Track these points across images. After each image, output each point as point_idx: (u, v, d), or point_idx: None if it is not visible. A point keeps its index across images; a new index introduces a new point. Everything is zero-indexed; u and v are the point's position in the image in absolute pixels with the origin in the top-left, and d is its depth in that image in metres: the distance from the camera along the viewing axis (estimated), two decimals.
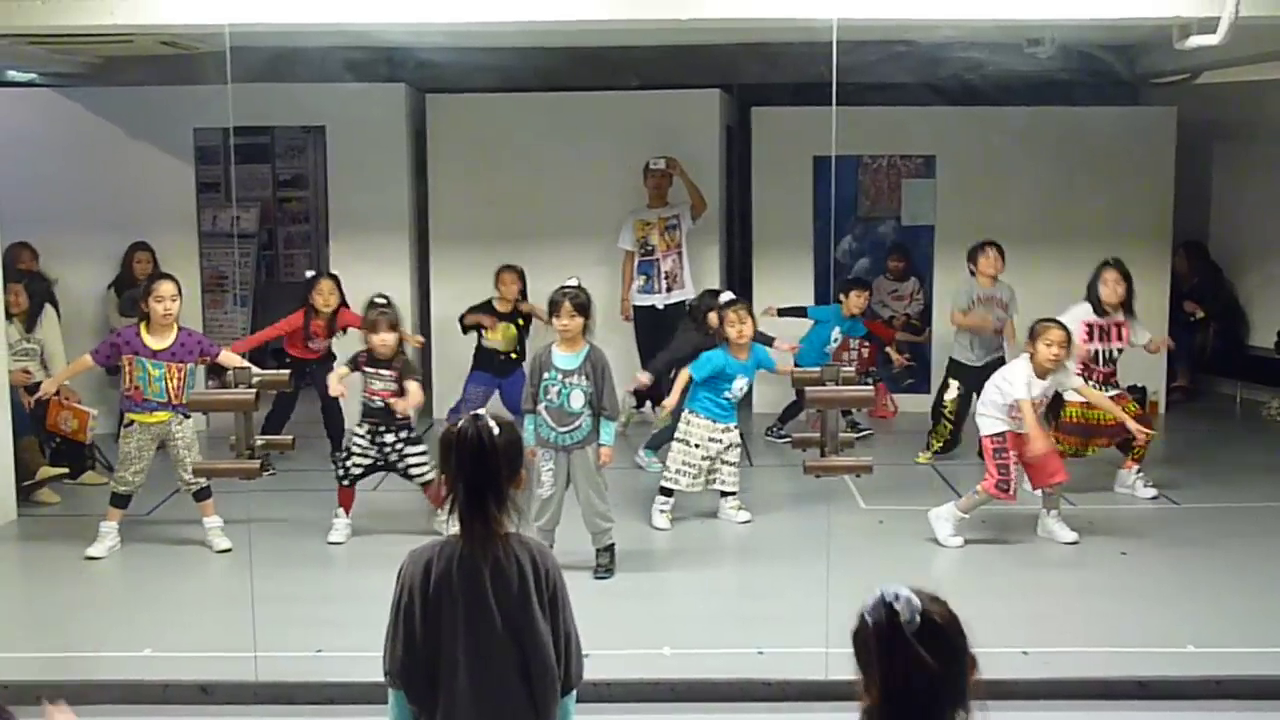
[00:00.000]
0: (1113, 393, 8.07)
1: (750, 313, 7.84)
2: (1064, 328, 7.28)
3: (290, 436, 6.92)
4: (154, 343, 7.20)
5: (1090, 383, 7.94)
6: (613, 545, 6.96)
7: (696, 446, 7.71)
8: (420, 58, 9.68)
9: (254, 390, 5.15)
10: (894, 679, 2.43)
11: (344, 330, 9.01)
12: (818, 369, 5.26)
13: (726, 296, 8.16)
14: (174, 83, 9.84)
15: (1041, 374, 7.23)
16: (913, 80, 10.06)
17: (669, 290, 10.10)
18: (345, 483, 7.51)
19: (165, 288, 7.23)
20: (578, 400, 6.78)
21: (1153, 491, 8.26)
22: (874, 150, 10.96)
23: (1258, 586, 6.66)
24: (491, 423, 3.25)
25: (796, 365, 9.20)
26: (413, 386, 7.43)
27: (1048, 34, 8.86)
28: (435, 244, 10.74)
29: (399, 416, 7.43)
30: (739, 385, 7.69)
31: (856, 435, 9.62)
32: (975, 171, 10.69)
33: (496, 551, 3.23)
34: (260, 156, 13.07)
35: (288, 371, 6.45)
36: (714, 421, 7.68)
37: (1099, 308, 8.08)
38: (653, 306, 10.05)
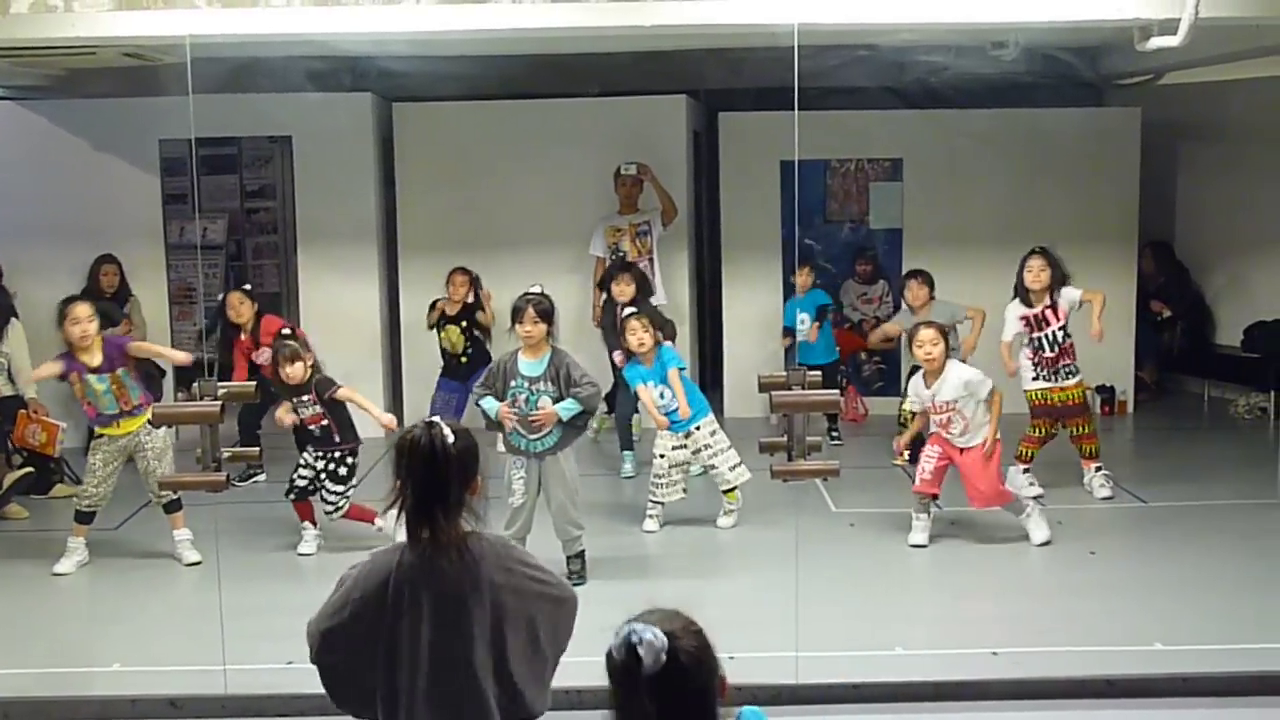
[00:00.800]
0: (1074, 380, 8.18)
1: (653, 323, 7.88)
2: (934, 327, 7.47)
3: (257, 448, 6.92)
4: (87, 360, 7.15)
5: (1043, 372, 8.14)
6: (583, 552, 6.96)
7: (663, 458, 7.75)
8: (385, 67, 9.66)
9: (219, 402, 5.14)
10: (633, 712, 2.53)
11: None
12: (784, 373, 5.26)
13: (628, 311, 8.18)
14: (138, 94, 9.78)
15: (928, 379, 7.43)
16: (878, 84, 10.10)
17: None
18: (290, 497, 7.56)
19: (79, 310, 7.16)
20: (545, 406, 6.77)
21: (1108, 492, 8.28)
22: (841, 154, 11.00)
23: (1225, 584, 6.70)
24: (446, 430, 3.25)
25: (798, 364, 9.27)
26: (354, 398, 7.55)
27: (1011, 37, 8.89)
28: (404, 253, 10.71)
29: (342, 444, 7.49)
30: (656, 394, 7.72)
31: (832, 443, 9.72)
32: (942, 174, 10.74)
33: (446, 557, 3.23)
34: (227, 167, 12.99)
35: (253, 383, 6.42)
36: (670, 433, 7.73)
37: (1026, 298, 8.19)
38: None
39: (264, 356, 8.88)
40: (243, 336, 9.00)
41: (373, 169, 10.55)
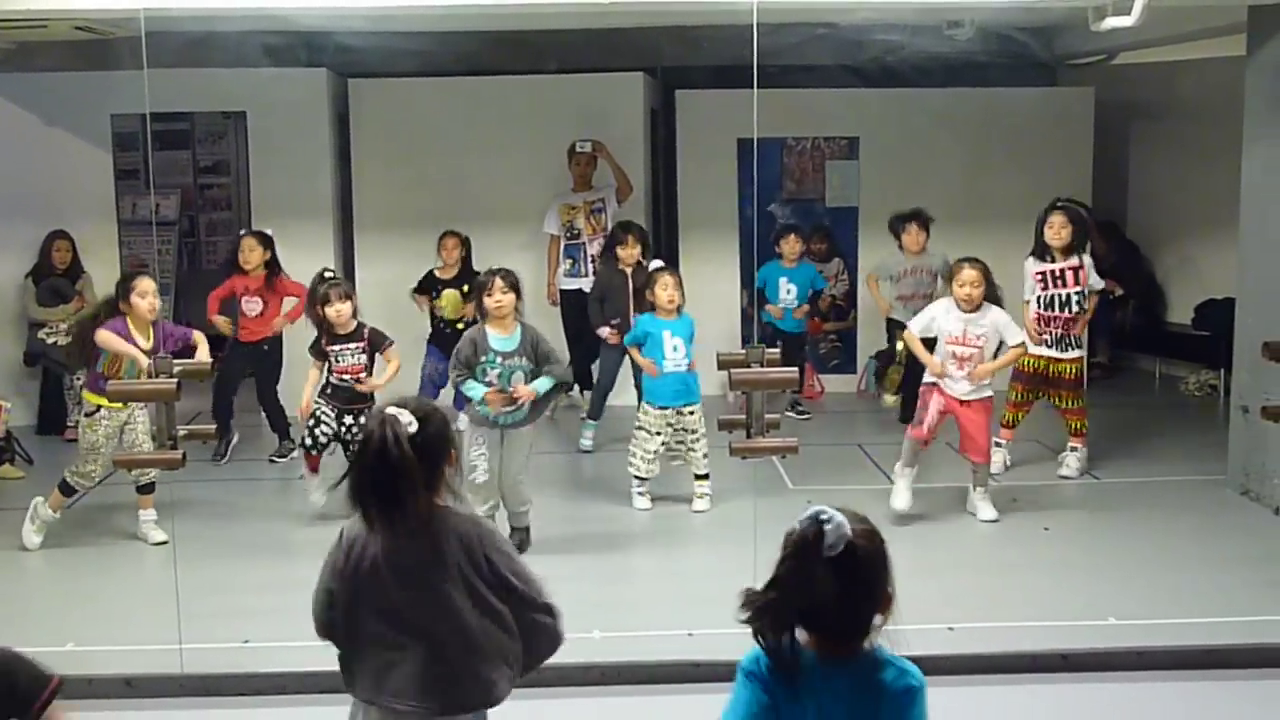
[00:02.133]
0: (1074, 353, 8.07)
1: (680, 282, 7.82)
2: (977, 266, 7.26)
3: (213, 426, 6.84)
4: (141, 341, 6.97)
5: (1047, 336, 7.98)
6: (529, 525, 6.99)
7: (657, 434, 7.62)
8: (340, 42, 9.57)
9: (175, 380, 5.09)
10: (798, 585, 2.60)
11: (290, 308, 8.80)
12: (743, 351, 5.27)
13: (656, 264, 8.24)
14: (90, 68, 9.66)
15: (967, 310, 7.24)
16: (835, 63, 10.11)
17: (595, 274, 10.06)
18: (314, 451, 7.32)
19: (146, 283, 7.06)
20: (519, 381, 6.73)
21: (1073, 473, 8.26)
22: (798, 132, 11.01)
23: (1177, 558, 6.79)
24: (405, 422, 3.20)
25: (769, 329, 9.35)
26: (390, 363, 7.42)
27: (966, 16, 8.93)
28: (360, 230, 10.65)
29: (366, 394, 7.35)
30: (671, 345, 7.61)
31: (799, 418, 9.77)
32: (897, 153, 10.77)
33: (409, 537, 3.25)
34: (180, 143, 12.89)
35: (210, 361, 6.35)
36: (666, 408, 7.60)
37: (1045, 253, 7.99)
38: (580, 290, 9.91)
39: (256, 308, 8.81)
40: (247, 280, 8.85)
41: (328, 145, 10.46)
